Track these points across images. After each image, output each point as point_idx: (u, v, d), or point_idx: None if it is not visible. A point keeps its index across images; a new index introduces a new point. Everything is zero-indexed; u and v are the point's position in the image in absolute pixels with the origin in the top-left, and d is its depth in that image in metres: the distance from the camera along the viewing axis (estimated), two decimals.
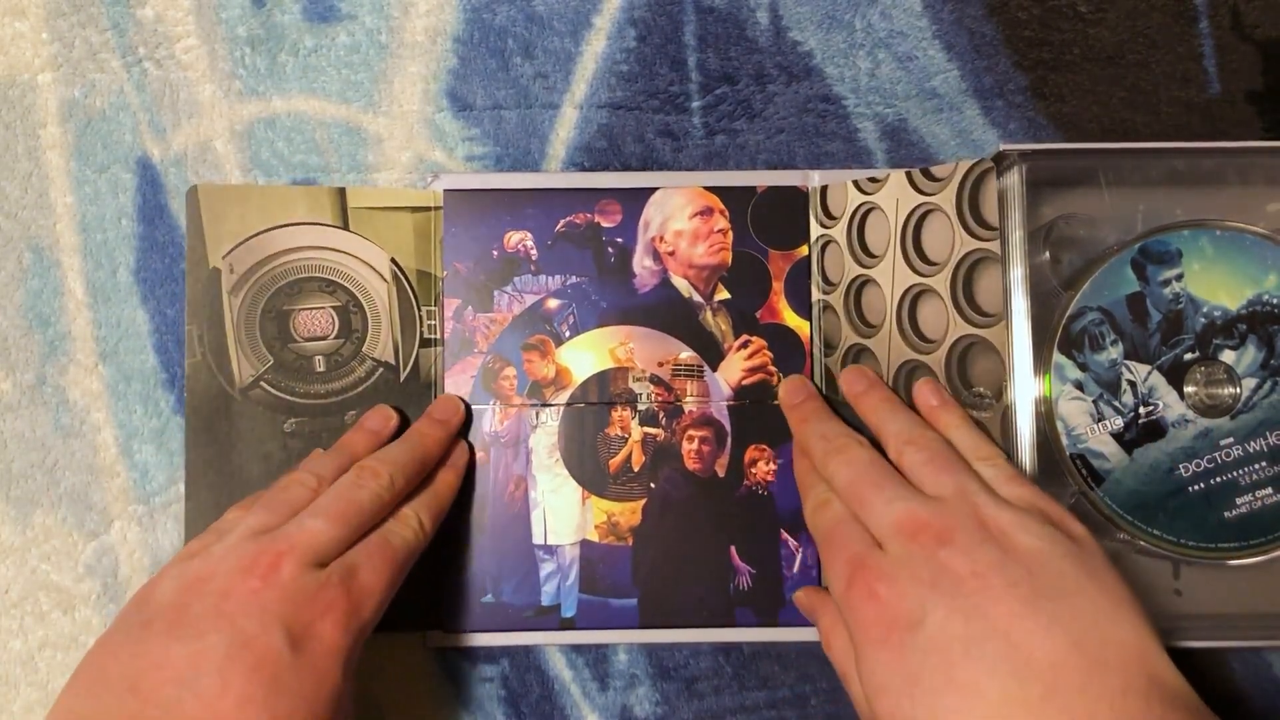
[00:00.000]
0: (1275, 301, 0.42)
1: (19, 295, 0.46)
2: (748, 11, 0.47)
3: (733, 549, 0.44)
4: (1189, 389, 0.42)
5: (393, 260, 0.45)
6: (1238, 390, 0.42)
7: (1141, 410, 0.42)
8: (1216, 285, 0.42)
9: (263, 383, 0.44)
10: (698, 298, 0.45)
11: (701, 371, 0.45)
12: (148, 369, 0.46)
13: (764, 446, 0.45)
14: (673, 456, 0.45)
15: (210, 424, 0.44)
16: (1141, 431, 0.42)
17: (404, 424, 0.44)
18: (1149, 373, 0.42)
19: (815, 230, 0.46)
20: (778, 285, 0.45)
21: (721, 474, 0.45)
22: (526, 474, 0.45)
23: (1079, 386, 0.42)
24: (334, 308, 0.45)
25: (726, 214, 0.46)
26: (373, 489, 0.38)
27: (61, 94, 0.47)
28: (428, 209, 0.45)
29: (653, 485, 0.45)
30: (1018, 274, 0.41)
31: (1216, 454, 0.42)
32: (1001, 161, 0.42)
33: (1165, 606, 0.42)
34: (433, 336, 0.45)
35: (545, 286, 0.45)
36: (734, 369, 0.45)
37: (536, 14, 0.47)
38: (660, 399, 0.45)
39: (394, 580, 0.37)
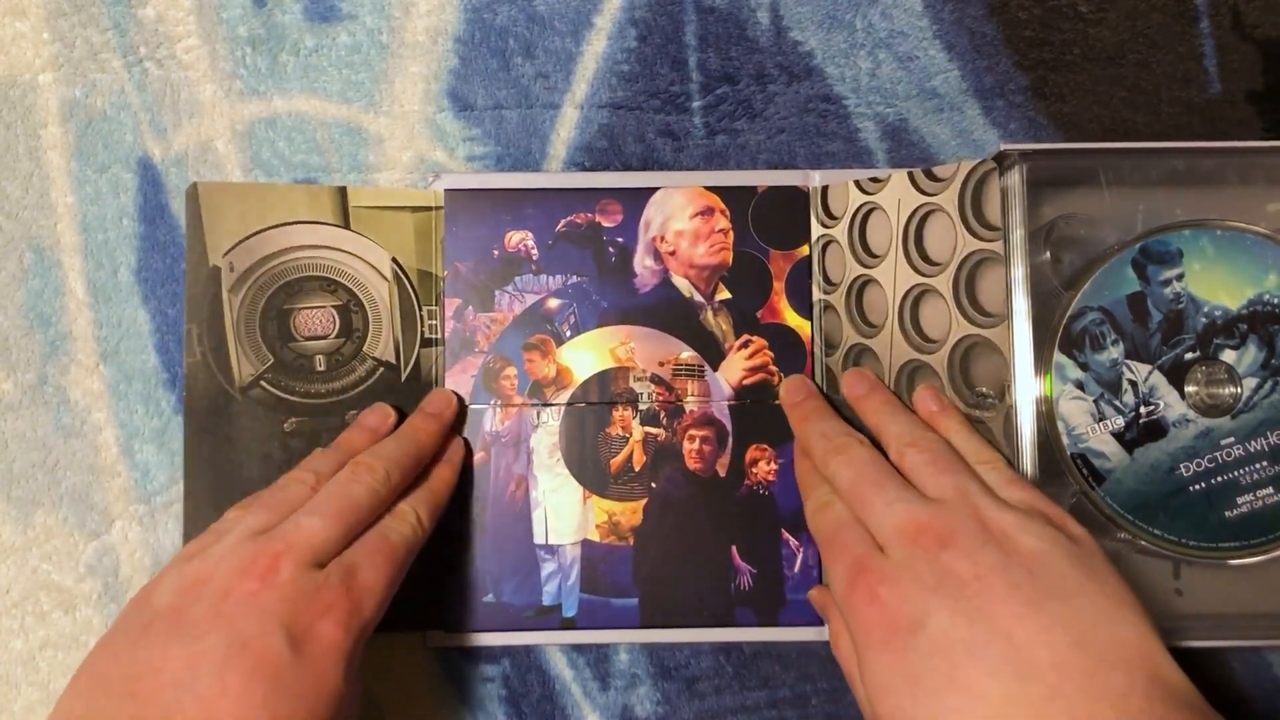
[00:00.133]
0: (1276, 301, 0.42)
1: (20, 295, 0.46)
2: (748, 11, 0.47)
3: (734, 549, 0.44)
4: (1190, 389, 0.42)
5: (394, 260, 0.45)
6: (1238, 390, 0.42)
7: (1142, 410, 0.42)
8: (1217, 285, 0.42)
9: (263, 382, 0.44)
10: (698, 297, 0.45)
11: (702, 371, 0.45)
12: (149, 369, 0.46)
13: (765, 446, 0.45)
14: (674, 456, 0.45)
15: (210, 423, 0.44)
16: (1142, 431, 0.42)
17: (402, 422, 0.44)
18: (1150, 372, 0.42)
19: (816, 230, 0.46)
20: (778, 285, 0.45)
21: (722, 474, 0.45)
22: (527, 474, 0.45)
23: (1080, 386, 0.42)
24: (335, 307, 0.45)
25: (727, 214, 0.46)
26: (368, 484, 0.38)
27: (62, 94, 0.47)
28: (428, 209, 0.45)
29: (654, 485, 0.45)
30: (1018, 274, 0.41)
31: (1217, 454, 0.42)
32: (1002, 161, 0.42)
33: (1166, 606, 0.42)
34: (434, 336, 0.45)
35: (546, 286, 0.45)
36: (735, 369, 0.45)
37: (537, 14, 0.47)
38: (661, 399, 0.45)
39: (394, 577, 0.37)
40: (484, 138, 0.47)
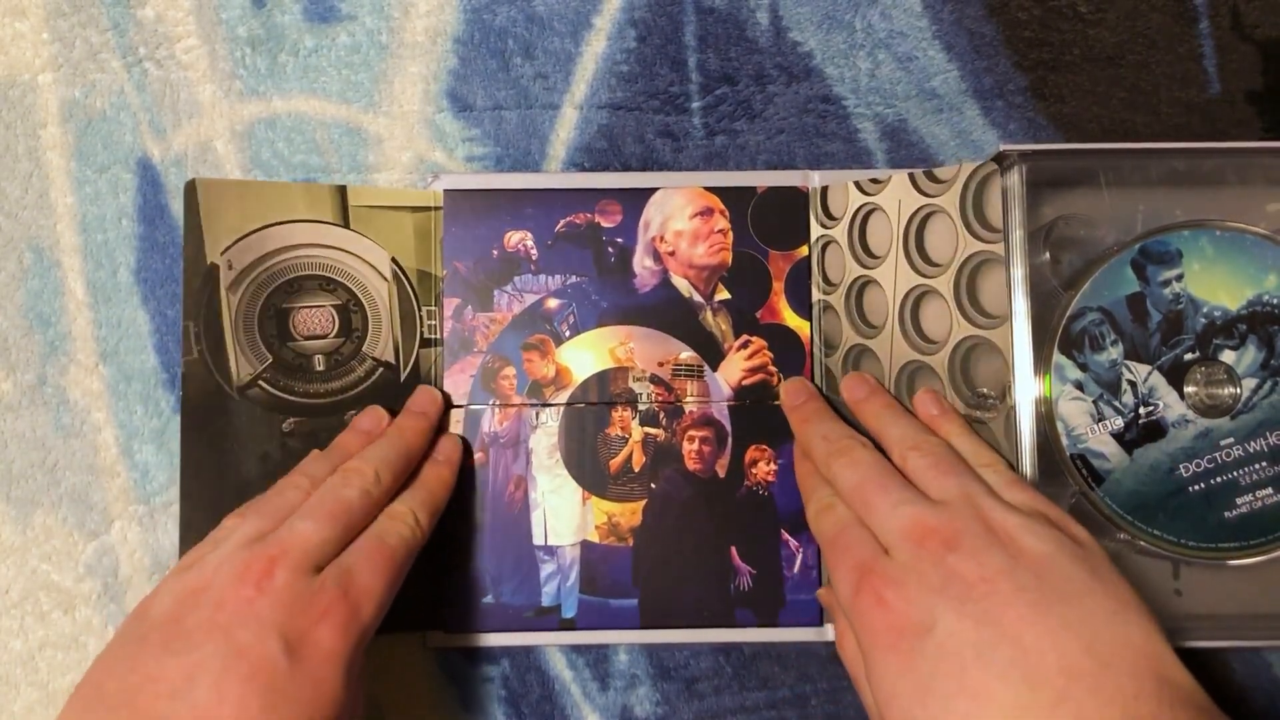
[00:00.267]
0: (1275, 302, 0.42)
1: (19, 295, 0.46)
2: (748, 12, 0.47)
3: (733, 549, 0.44)
4: (1189, 389, 0.42)
5: (393, 260, 0.45)
6: (1238, 390, 0.42)
7: (1142, 410, 0.42)
8: (1217, 285, 0.42)
9: (261, 381, 0.44)
10: (698, 298, 0.45)
11: (702, 371, 0.45)
12: (148, 369, 0.46)
13: (764, 447, 0.45)
14: (673, 457, 0.45)
15: (207, 423, 0.43)
16: (1142, 431, 0.42)
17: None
18: (1149, 373, 0.42)
19: (815, 230, 0.46)
20: (778, 285, 0.45)
21: (722, 474, 0.45)
22: (526, 474, 0.45)
23: (1079, 387, 0.42)
24: (334, 306, 0.45)
25: (727, 214, 0.46)
26: (359, 485, 0.38)
27: (62, 94, 0.47)
28: (428, 209, 0.45)
29: (653, 486, 0.45)
30: (1018, 274, 0.41)
31: (1217, 454, 0.42)
32: (1002, 162, 0.42)
33: (1165, 606, 0.42)
34: (433, 336, 0.45)
35: (545, 286, 0.45)
36: (734, 369, 0.45)
37: (537, 14, 0.47)
38: (660, 399, 0.45)
39: (394, 579, 0.37)
40: (483, 138, 0.47)
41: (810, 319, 0.45)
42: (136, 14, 0.47)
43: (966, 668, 0.30)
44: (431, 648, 0.44)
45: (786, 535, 0.44)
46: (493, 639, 0.44)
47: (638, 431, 0.45)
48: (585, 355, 0.45)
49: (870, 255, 0.44)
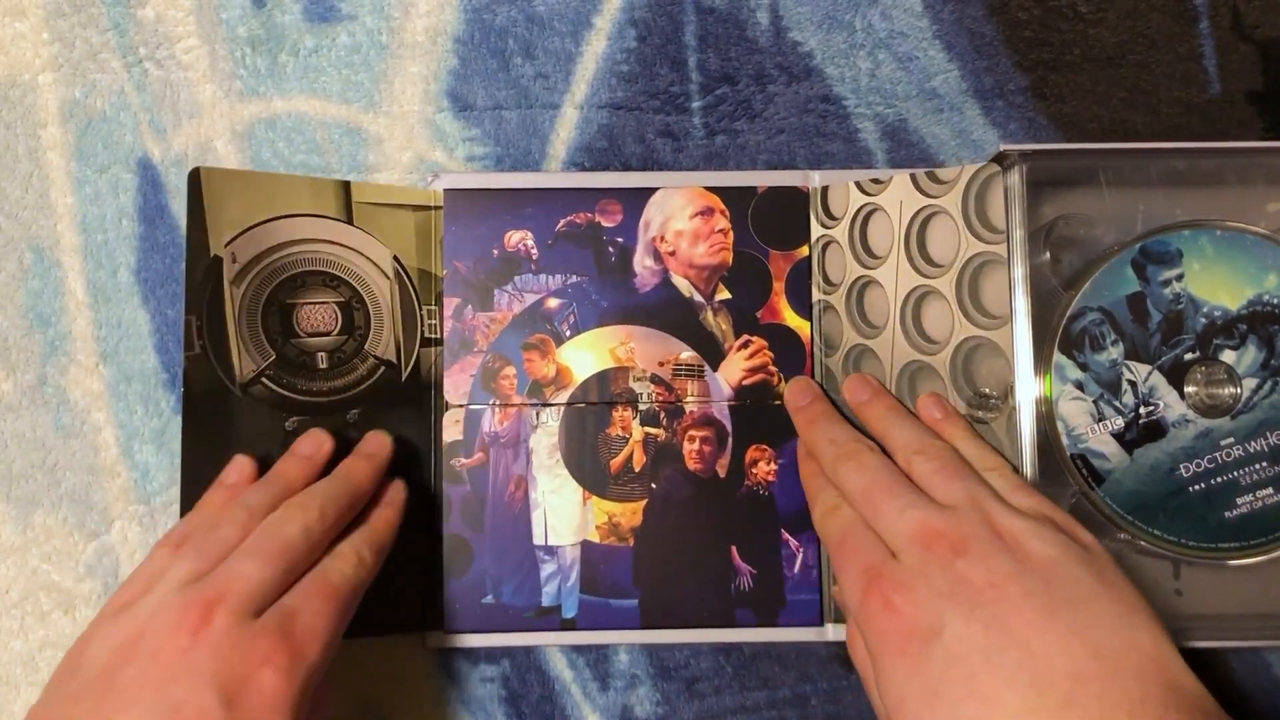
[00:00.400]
0: (1275, 301, 0.42)
1: (20, 295, 0.46)
2: (748, 12, 0.47)
3: (734, 549, 0.44)
4: (1189, 389, 0.42)
5: (395, 258, 0.45)
6: (1238, 390, 0.42)
7: (1142, 410, 0.42)
8: (1217, 285, 0.42)
9: (264, 378, 0.43)
10: (698, 297, 0.45)
11: (702, 371, 0.45)
12: (148, 369, 0.46)
13: (765, 447, 0.45)
14: (674, 457, 0.45)
15: (208, 421, 0.42)
16: (1142, 431, 0.42)
17: (338, 449, 0.42)
18: (1149, 373, 0.42)
19: (816, 230, 0.46)
20: (778, 285, 0.45)
21: (722, 474, 0.45)
22: (527, 474, 0.45)
23: (1079, 386, 0.42)
24: (337, 303, 0.44)
25: (727, 214, 0.46)
26: (301, 523, 0.36)
27: (62, 94, 0.47)
28: (428, 208, 0.45)
29: (654, 486, 0.45)
30: (1018, 274, 0.41)
31: (1217, 454, 0.42)
32: (1002, 162, 0.42)
33: (1166, 606, 0.42)
34: (433, 336, 0.45)
35: (545, 286, 0.45)
36: (735, 369, 0.45)
37: (537, 14, 0.47)
38: (661, 399, 0.45)
39: (339, 618, 0.36)
40: (484, 138, 0.47)
41: (811, 319, 0.45)
42: (136, 14, 0.47)
43: (975, 672, 0.30)
44: (431, 648, 0.44)
45: (787, 535, 0.44)
46: (493, 639, 0.44)
47: (638, 431, 0.45)
48: (585, 355, 0.45)
49: (871, 255, 0.44)
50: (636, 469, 0.45)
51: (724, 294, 0.45)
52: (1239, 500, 0.42)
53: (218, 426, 0.42)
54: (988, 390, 0.42)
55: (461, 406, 0.45)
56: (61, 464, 0.46)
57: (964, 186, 0.42)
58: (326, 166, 0.47)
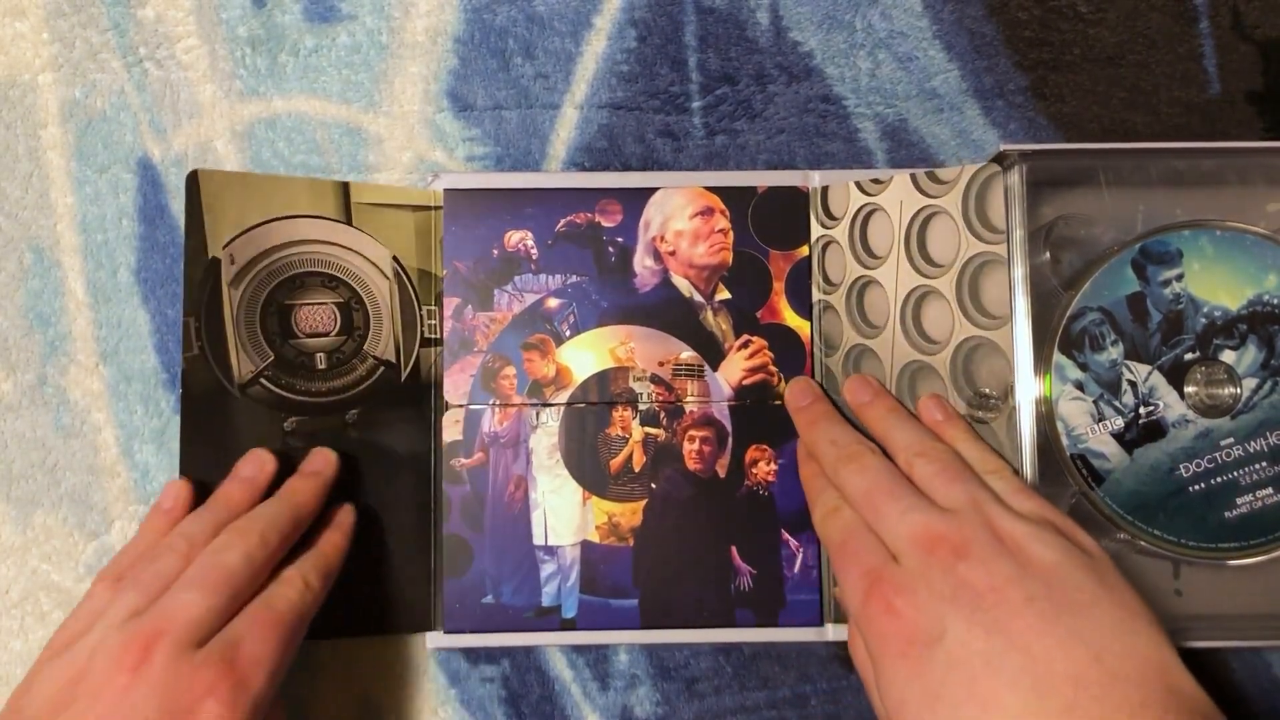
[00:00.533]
0: (1275, 301, 0.42)
1: (19, 295, 0.46)
2: (748, 12, 0.47)
3: (733, 549, 0.44)
4: (1189, 389, 0.42)
5: (394, 258, 0.45)
6: (1238, 390, 0.42)
7: (1142, 410, 0.42)
8: (1217, 285, 0.42)
9: (263, 379, 0.43)
10: (698, 297, 0.45)
11: (702, 371, 0.45)
12: (148, 369, 0.46)
13: (765, 447, 0.45)
14: (673, 457, 0.45)
15: (207, 422, 0.43)
16: (1142, 431, 0.42)
17: (282, 469, 0.42)
18: (1149, 373, 0.42)
19: (816, 230, 0.46)
20: (778, 285, 0.45)
21: (722, 474, 0.45)
22: (527, 474, 0.45)
23: (1079, 386, 0.42)
24: (336, 304, 0.44)
25: (727, 214, 0.46)
26: (242, 549, 0.36)
27: (62, 94, 0.47)
28: (428, 208, 0.45)
29: (653, 486, 0.45)
30: (1018, 274, 0.41)
31: (1217, 454, 0.42)
32: (1002, 162, 0.42)
33: (1165, 607, 0.42)
34: (433, 336, 0.45)
35: (545, 286, 0.45)
36: (735, 369, 0.45)
37: (537, 14, 0.47)
38: (661, 399, 0.45)
39: (285, 645, 0.35)
40: (484, 138, 0.47)
41: (811, 319, 0.45)
42: (136, 14, 0.47)
43: (976, 676, 0.30)
44: (431, 648, 0.44)
45: (787, 535, 0.44)
46: (493, 639, 0.44)
47: (638, 431, 0.45)
48: (585, 355, 0.45)
49: (871, 255, 0.44)
50: (636, 469, 0.45)
51: (724, 294, 0.45)
52: (1239, 500, 0.42)
53: (217, 427, 0.43)
54: (988, 390, 0.42)
55: (461, 406, 0.45)
56: (61, 464, 0.46)
57: (964, 186, 0.42)
58: (326, 166, 0.47)
